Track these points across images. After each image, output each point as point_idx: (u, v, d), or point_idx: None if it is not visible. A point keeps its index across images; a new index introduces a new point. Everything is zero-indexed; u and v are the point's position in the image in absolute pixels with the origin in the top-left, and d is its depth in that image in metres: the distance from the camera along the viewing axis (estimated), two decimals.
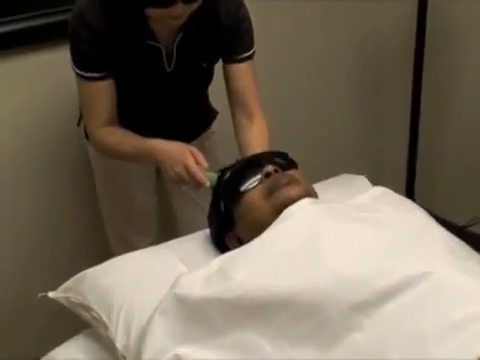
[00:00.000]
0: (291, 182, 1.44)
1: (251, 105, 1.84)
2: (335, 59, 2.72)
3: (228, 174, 1.54)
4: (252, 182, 1.48)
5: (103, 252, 2.20)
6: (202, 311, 1.24)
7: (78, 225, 2.33)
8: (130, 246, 2.11)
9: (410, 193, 2.78)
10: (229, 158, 1.79)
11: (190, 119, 1.97)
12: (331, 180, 1.81)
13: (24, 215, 2.23)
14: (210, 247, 1.60)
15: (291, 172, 1.50)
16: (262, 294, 1.20)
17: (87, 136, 1.94)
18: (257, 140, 1.81)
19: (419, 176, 2.80)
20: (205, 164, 1.64)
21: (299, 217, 1.32)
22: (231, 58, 1.82)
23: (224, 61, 1.84)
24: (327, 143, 2.82)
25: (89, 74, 1.72)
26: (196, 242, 1.64)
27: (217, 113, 2.09)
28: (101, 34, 1.66)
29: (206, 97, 2.02)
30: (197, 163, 1.64)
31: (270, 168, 1.48)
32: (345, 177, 1.83)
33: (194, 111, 1.98)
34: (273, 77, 2.47)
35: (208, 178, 1.60)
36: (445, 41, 2.64)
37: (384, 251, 1.22)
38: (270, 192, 1.44)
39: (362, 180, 1.78)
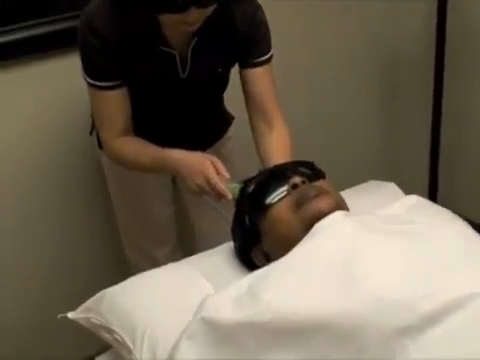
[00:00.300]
0: (320, 194, 1.36)
1: (270, 110, 1.77)
2: (354, 62, 2.66)
3: (252, 186, 1.46)
4: (278, 194, 1.40)
5: (121, 261, 2.19)
6: (233, 335, 1.16)
7: (95, 234, 2.28)
8: (147, 256, 2.10)
9: (433, 195, 2.72)
10: (246, 165, 1.74)
11: (206, 126, 1.91)
12: (358, 188, 1.73)
13: (38, 226, 2.18)
14: (235, 262, 1.52)
15: (319, 183, 1.42)
16: (294, 317, 1.13)
17: (100, 145, 1.88)
18: (278, 148, 1.74)
19: (441, 177, 2.74)
20: (226, 174, 1.57)
21: (331, 232, 1.25)
22: (248, 62, 1.74)
23: (240, 66, 1.77)
24: (347, 145, 2.76)
25: (101, 83, 1.65)
26: (220, 257, 1.56)
27: (233, 118, 2.02)
28: (112, 41, 1.59)
29: (221, 102, 1.96)
30: (218, 173, 1.57)
31: (297, 179, 1.40)
32: (373, 184, 1.75)
33: (210, 117, 1.91)
34: (289, 80, 2.40)
35: (230, 189, 1.53)
36: (466, 42, 2.56)
37: (425, 270, 1.14)
38: (298, 205, 1.36)
39: (392, 187, 1.70)
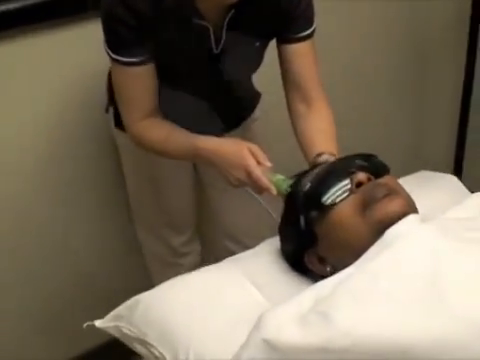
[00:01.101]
0: (390, 193, 1.19)
1: (309, 89, 1.60)
2: (384, 40, 2.52)
3: (308, 183, 1.28)
4: (340, 193, 1.23)
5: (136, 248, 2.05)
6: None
7: (108, 220, 2.12)
8: (163, 243, 1.98)
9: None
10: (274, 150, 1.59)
11: (234, 105, 1.75)
12: (411, 180, 1.54)
13: (48, 212, 2.00)
14: (284, 265, 1.36)
15: (385, 179, 1.25)
16: (377, 344, 0.98)
17: (117, 124, 1.73)
18: (318, 130, 1.57)
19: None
20: (268, 163, 1.41)
21: (410, 242, 1.08)
22: (288, 38, 1.58)
23: (279, 41, 1.60)
24: (372, 126, 2.62)
25: (127, 59, 1.48)
26: (264, 258, 1.39)
27: (260, 95, 1.86)
28: (141, 13, 1.41)
29: (250, 78, 1.79)
30: (258, 163, 1.41)
31: (362, 176, 1.23)
32: (428, 176, 1.58)
33: (239, 96, 1.75)
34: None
35: (274, 183, 1.37)
36: None
37: None
38: (364, 206, 1.19)
39: (452, 181, 1.54)
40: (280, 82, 1.65)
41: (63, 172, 1.95)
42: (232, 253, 2.00)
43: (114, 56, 1.48)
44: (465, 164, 2.62)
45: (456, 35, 2.55)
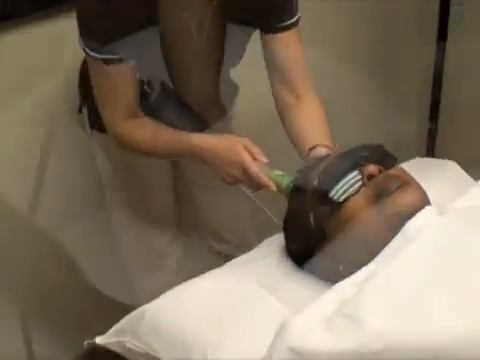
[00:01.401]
0: (403, 185, 1.16)
1: (296, 79, 1.55)
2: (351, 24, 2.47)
3: (316, 179, 1.22)
4: (351, 187, 1.18)
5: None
6: None
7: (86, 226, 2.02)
8: (144, 246, 1.90)
9: None
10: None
11: (214, 99, 1.68)
12: (407, 167, 1.50)
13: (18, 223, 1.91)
14: (288, 265, 1.30)
15: (396, 171, 1.21)
16: (413, 346, 0.94)
17: (92, 125, 1.66)
18: (307, 120, 1.52)
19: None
20: (264, 159, 1.36)
21: (433, 235, 1.05)
22: (272, 27, 1.52)
23: (263, 30, 1.54)
24: (342, 114, 2.55)
25: (106, 56, 1.40)
26: (266, 261, 1.32)
27: (238, 88, 1.79)
28: (120, 5, 1.34)
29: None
30: (254, 159, 1.35)
31: (373, 168, 1.18)
32: (426, 163, 1.55)
33: (219, 90, 1.68)
34: None
35: (273, 179, 1.32)
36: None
37: None
38: (377, 200, 1.15)
39: (452, 167, 1.50)
40: (259, 74, 1.60)
41: (60, 170, 1.88)
42: (215, 251, 1.98)
43: (92, 54, 1.41)
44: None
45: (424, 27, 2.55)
